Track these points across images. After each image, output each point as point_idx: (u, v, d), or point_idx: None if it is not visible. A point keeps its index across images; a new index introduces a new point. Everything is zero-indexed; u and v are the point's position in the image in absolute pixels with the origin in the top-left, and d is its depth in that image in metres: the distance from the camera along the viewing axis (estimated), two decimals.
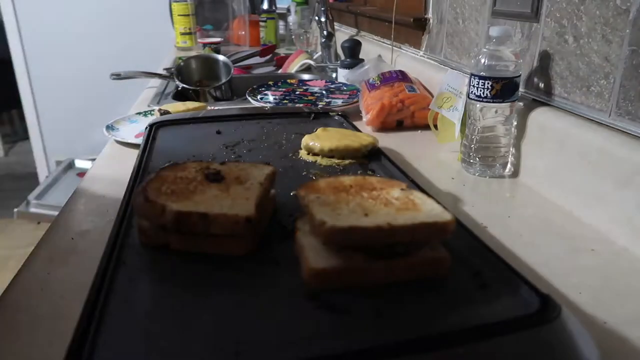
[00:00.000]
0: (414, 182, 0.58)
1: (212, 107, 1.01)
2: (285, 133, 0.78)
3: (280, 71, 1.70)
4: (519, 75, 0.70)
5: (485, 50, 0.70)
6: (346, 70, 1.27)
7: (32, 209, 2.38)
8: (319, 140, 0.68)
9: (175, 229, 0.42)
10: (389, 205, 0.42)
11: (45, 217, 2.31)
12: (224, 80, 1.33)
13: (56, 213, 0.65)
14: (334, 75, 1.41)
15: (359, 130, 0.77)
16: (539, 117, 0.70)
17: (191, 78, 1.35)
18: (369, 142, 0.69)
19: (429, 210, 0.41)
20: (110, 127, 0.95)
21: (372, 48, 1.42)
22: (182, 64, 1.35)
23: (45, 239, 0.57)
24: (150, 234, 0.45)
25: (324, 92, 1.21)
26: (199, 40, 2.15)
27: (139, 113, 1.06)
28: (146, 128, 0.80)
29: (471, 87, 0.72)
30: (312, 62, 1.61)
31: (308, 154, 0.69)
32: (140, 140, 0.79)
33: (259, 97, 1.15)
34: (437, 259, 0.41)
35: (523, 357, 0.33)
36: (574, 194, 0.63)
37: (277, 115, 0.88)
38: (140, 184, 0.48)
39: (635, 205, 0.54)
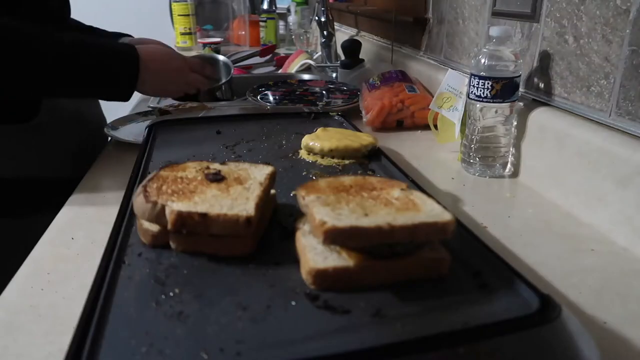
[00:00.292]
0: (414, 182, 0.58)
1: (212, 107, 1.01)
2: (285, 133, 0.78)
3: (280, 71, 1.69)
4: (519, 75, 0.70)
5: (485, 50, 0.70)
6: (346, 70, 1.27)
7: None
8: (319, 140, 0.68)
9: (175, 229, 0.42)
10: (389, 205, 0.42)
11: None
12: (224, 80, 1.32)
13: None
14: (334, 75, 1.41)
15: (359, 130, 0.77)
16: (539, 117, 0.70)
17: None
18: (369, 142, 0.69)
19: (429, 210, 0.41)
20: (110, 127, 0.95)
21: (372, 48, 1.42)
22: None
23: (45, 239, 0.58)
24: (150, 234, 0.45)
25: (324, 92, 1.21)
26: (199, 40, 2.15)
27: (139, 113, 1.06)
28: (146, 128, 0.80)
29: (471, 87, 0.72)
30: (312, 62, 1.60)
31: (308, 154, 0.69)
32: (140, 141, 0.79)
33: (259, 97, 1.15)
34: (437, 259, 0.41)
35: (523, 357, 0.33)
36: (574, 194, 0.63)
37: (277, 115, 0.88)
38: (140, 184, 0.48)
39: (635, 205, 0.54)
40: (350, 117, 0.88)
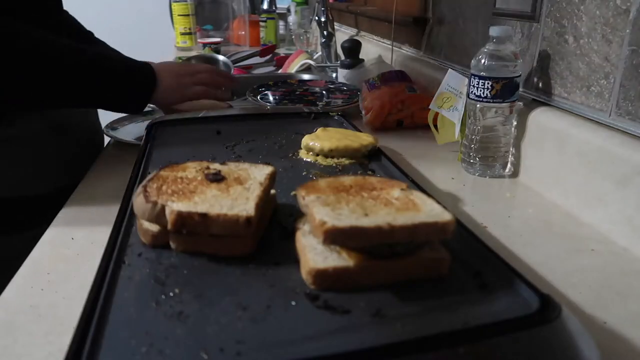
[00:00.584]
0: (414, 182, 0.58)
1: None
2: (285, 133, 0.78)
3: (280, 71, 1.69)
4: (519, 75, 0.70)
5: (485, 50, 0.70)
6: (346, 70, 1.27)
7: None
8: (319, 140, 0.68)
9: (175, 229, 0.42)
10: (389, 205, 0.42)
11: None
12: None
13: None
14: (334, 75, 1.41)
15: (359, 130, 0.77)
16: (539, 117, 0.70)
17: None
18: (369, 142, 0.69)
19: (429, 210, 0.41)
20: (110, 127, 0.95)
21: (372, 48, 1.42)
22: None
23: (45, 239, 0.58)
24: (150, 234, 0.45)
25: (324, 92, 1.21)
26: (199, 40, 2.15)
27: None
28: (146, 128, 0.80)
29: (471, 87, 0.72)
30: (312, 62, 1.60)
31: (308, 154, 0.69)
32: (140, 141, 0.79)
33: (259, 97, 1.15)
34: (437, 259, 0.41)
35: (523, 357, 0.33)
36: (573, 194, 0.63)
37: (277, 115, 0.88)
38: (140, 184, 0.48)
39: (635, 205, 0.54)
40: (350, 117, 0.88)
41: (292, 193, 0.56)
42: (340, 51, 1.38)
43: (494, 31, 0.69)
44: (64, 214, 0.64)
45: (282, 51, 2.03)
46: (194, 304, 0.37)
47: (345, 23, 1.81)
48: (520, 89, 0.74)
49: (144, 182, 0.47)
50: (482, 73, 0.70)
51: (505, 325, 0.34)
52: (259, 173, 0.50)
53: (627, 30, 0.58)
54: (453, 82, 0.83)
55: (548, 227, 0.60)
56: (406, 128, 0.98)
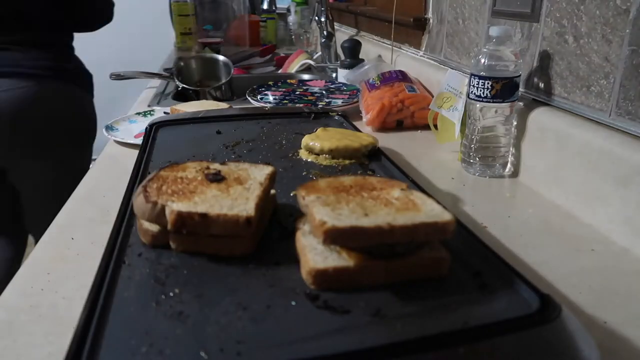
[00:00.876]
0: (414, 182, 0.58)
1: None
2: (285, 133, 0.78)
3: (280, 71, 1.69)
4: (519, 75, 0.70)
5: (485, 50, 0.70)
6: (346, 70, 1.27)
7: None
8: (319, 140, 0.68)
9: (175, 229, 0.42)
10: (389, 205, 0.42)
11: None
12: (224, 80, 1.32)
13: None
14: (334, 75, 1.41)
15: (359, 130, 0.77)
16: (539, 117, 0.70)
17: (191, 78, 1.35)
18: (369, 142, 0.69)
19: (429, 210, 0.41)
20: (109, 128, 0.95)
21: (372, 48, 1.42)
22: (182, 64, 1.35)
23: (45, 239, 0.58)
24: (150, 234, 0.45)
25: (324, 92, 1.21)
26: (199, 40, 2.15)
27: (139, 113, 1.06)
28: (146, 128, 0.80)
29: (471, 87, 0.72)
30: (312, 62, 1.61)
31: (308, 154, 0.69)
32: (140, 141, 0.79)
33: (259, 97, 1.15)
34: (437, 259, 0.41)
35: (523, 357, 0.33)
36: (574, 194, 0.63)
37: (277, 115, 0.88)
38: (140, 184, 0.48)
39: (635, 205, 0.54)
40: (350, 117, 0.88)
41: (292, 193, 0.56)
42: (340, 51, 1.38)
43: (494, 31, 0.69)
44: (64, 214, 0.64)
45: (282, 51, 2.03)
46: (194, 304, 0.37)
47: (345, 23, 1.81)
48: (520, 89, 0.74)
49: (144, 182, 0.47)
50: (482, 73, 0.70)
51: (505, 325, 0.34)
52: (259, 173, 0.50)
53: (627, 30, 0.58)
54: (453, 82, 0.83)
55: (548, 227, 0.60)
56: (406, 128, 0.98)
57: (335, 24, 1.59)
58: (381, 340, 0.33)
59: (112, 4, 1.34)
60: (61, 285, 0.48)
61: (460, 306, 0.37)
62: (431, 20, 1.11)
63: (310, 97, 1.17)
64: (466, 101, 0.75)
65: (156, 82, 1.43)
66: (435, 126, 0.88)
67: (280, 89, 1.23)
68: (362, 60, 1.28)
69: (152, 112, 1.07)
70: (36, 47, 1.18)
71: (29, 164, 1.24)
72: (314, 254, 0.40)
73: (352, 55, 1.29)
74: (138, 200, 0.45)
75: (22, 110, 1.14)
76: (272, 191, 0.52)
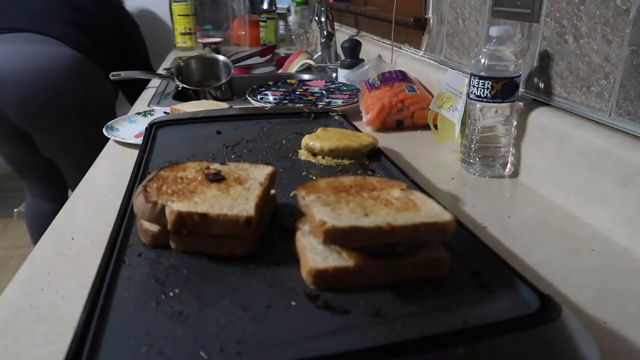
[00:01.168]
0: (414, 182, 0.58)
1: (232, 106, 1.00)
2: (285, 133, 0.78)
3: (280, 71, 1.69)
4: (519, 75, 0.70)
5: (485, 50, 0.70)
6: (346, 70, 1.27)
7: None
8: (319, 140, 0.68)
9: (175, 229, 0.42)
10: (389, 205, 0.42)
11: None
12: (224, 80, 1.32)
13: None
14: (334, 75, 1.41)
15: (359, 130, 0.77)
16: (539, 117, 0.70)
17: (191, 78, 1.35)
18: (369, 142, 0.69)
19: (429, 210, 0.41)
20: (109, 127, 0.95)
21: (372, 48, 1.42)
22: (182, 64, 1.35)
23: (45, 239, 0.58)
24: (150, 234, 0.45)
25: (324, 92, 1.21)
26: (199, 40, 2.15)
27: (139, 113, 1.06)
28: (146, 128, 0.80)
29: (471, 87, 0.72)
30: (312, 62, 1.61)
31: (308, 154, 0.69)
32: (140, 141, 0.79)
33: (259, 97, 1.15)
34: (437, 259, 0.41)
35: (523, 357, 0.33)
36: (574, 194, 0.63)
37: (277, 115, 0.88)
38: (140, 184, 0.48)
39: (635, 205, 0.54)
40: (350, 117, 0.88)
41: (292, 193, 0.56)
42: (340, 51, 1.38)
43: (494, 31, 0.69)
44: (64, 213, 0.64)
45: (282, 51, 2.03)
46: (194, 304, 0.37)
47: (345, 23, 1.81)
48: (520, 89, 0.74)
49: (144, 182, 0.47)
50: (482, 73, 0.70)
51: (505, 325, 0.34)
52: (259, 173, 0.50)
53: (627, 30, 0.58)
54: (453, 82, 0.83)
55: (548, 227, 0.60)
56: (406, 128, 0.98)
57: (335, 24, 1.59)
58: (381, 340, 0.33)
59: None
60: (61, 285, 0.48)
61: (460, 306, 0.37)
62: (431, 20, 1.11)
63: (310, 97, 1.17)
64: (466, 101, 0.75)
65: (156, 82, 1.43)
66: (435, 126, 0.88)
67: (280, 89, 1.23)
68: (362, 60, 1.28)
69: (152, 112, 1.07)
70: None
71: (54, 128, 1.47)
72: (314, 254, 0.40)
73: (352, 55, 1.29)
74: (138, 200, 0.45)
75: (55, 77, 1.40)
76: (272, 191, 0.52)
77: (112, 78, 1.32)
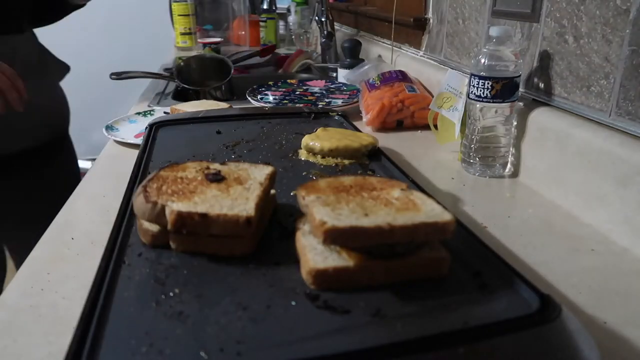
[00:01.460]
0: (414, 182, 0.58)
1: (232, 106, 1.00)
2: (285, 133, 0.78)
3: (280, 71, 1.69)
4: (519, 75, 0.70)
5: (485, 50, 0.70)
6: (346, 70, 1.27)
7: None
8: (319, 140, 0.68)
9: (175, 229, 0.42)
10: (389, 205, 0.42)
11: None
12: (224, 80, 1.32)
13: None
14: (334, 75, 1.41)
15: (359, 130, 0.77)
16: (539, 117, 0.70)
17: (191, 78, 1.35)
18: (369, 142, 0.69)
19: (429, 210, 0.41)
20: (109, 127, 0.95)
21: (372, 48, 1.42)
22: (182, 64, 1.35)
23: (45, 239, 0.58)
24: (150, 234, 0.45)
25: (324, 92, 1.21)
26: (199, 40, 2.15)
27: (139, 113, 1.06)
28: (146, 128, 0.80)
29: (471, 87, 0.72)
30: (312, 62, 1.61)
31: (308, 154, 0.69)
32: (140, 141, 0.79)
33: (259, 97, 1.15)
34: (437, 259, 0.41)
35: (523, 357, 0.33)
36: (574, 194, 0.63)
37: (277, 115, 0.88)
38: (140, 184, 0.48)
39: (635, 205, 0.54)
40: (350, 117, 0.88)
41: (292, 193, 0.56)
42: (340, 51, 1.38)
43: (494, 31, 0.69)
44: (64, 213, 0.64)
45: (282, 51, 2.03)
46: (194, 304, 0.37)
47: (345, 23, 1.81)
48: (520, 89, 0.74)
49: (144, 182, 0.47)
50: (482, 73, 0.70)
51: (505, 325, 0.34)
52: (259, 173, 0.50)
53: (627, 30, 0.58)
54: (453, 82, 0.83)
55: (548, 227, 0.60)
56: (406, 128, 0.98)
57: (335, 24, 1.59)
58: (381, 340, 0.33)
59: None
60: (61, 285, 0.48)
61: (460, 306, 0.37)
62: (431, 20, 1.11)
63: (310, 97, 1.17)
64: (466, 101, 0.75)
65: (156, 82, 1.43)
66: (435, 126, 0.88)
67: (280, 89, 1.23)
68: (362, 60, 1.28)
69: (152, 112, 1.07)
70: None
71: None
72: (314, 254, 0.40)
73: (352, 55, 1.29)
74: (138, 200, 0.45)
75: None
76: (272, 191, 0.52)
77: (112, 78, 1.31)
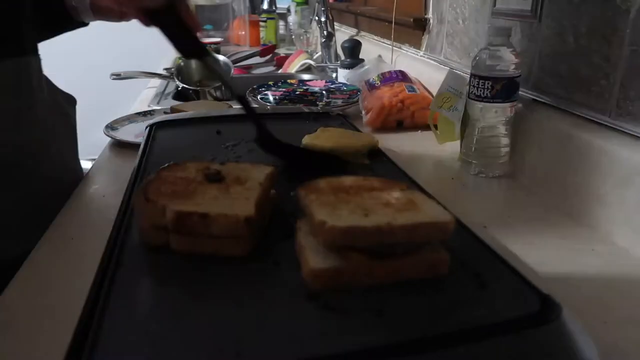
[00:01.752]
0: (414, 182, 0.58)
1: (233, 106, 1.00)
2: (285, 133, 0.78)
3: (280, 71, 1.70)
4: (519, 75, 0.70)
5: (485, 50, 0.70)
6: (346, 70, 1.27)
7: None
8: (319, 140, 0.68)
9: (175, 230, 0.42)
10: (389, 205, 0.42)
11: None
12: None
13: None
14: (334, 75, 1.41)
15: (359, 130, 0.77)
16: (539, 117, 0.70)
17: (191, 78, 1.35)
18: (369, 142, 0.69)
19: (428, 210, 0.41)
20: (110, 127, 0.95)
21: (372, 48, 1.42)
22: (182, 64, 1.35)
23: (45, 239, 0.58)
24: (150, 234, 0.45)
25: (324, 92, 1.21)
26: None
27: (139, 113, 1.06)
28: (146, 128, 0.80)
29: (471, 87, 0.72)
30: (312, 62, 1.61)
31: None
32: (140, 141, 0.79)
33: (259, 97, 1.15)
34: (437, 259, 0.41)
35: (523, 357, 0.33)
36: (573, 194, 0.63)
37: (277, 115, 0.88)
38: (140, 184, 0.48)
39: (635, 205, 0.54)
40: (350, 117, 0.88)
41: (292, 193, 0.56)
42: (340, 51, 1.38)
43: (494, 31, 0.69)
44: (64, 214, 0.64)
45: (282, 51, 2.03)
46: (193, 304, 0.37)
47: (345, 23, 1.81)
48: (520, 89, 0.74)
49: (144, 182, 0.47)
50: (482, 73, 0.70)
51: (505, 325, 0.34)
52: (259, 173, 0.50)
53: (627, 30, 0.57)
54: (453, 82, 0.83)
55: (548, 227, 0.60)
56: (406, 128, 0.98)
57: (335, 24, 1.59)
58: (381, 340, 0.33)
59: None
60: (61, 284, 0.48)
61: (460, 306, 0.37)
62: (431, 21, 1.11)
63: (310, 97, 1.17)
64: (466, 101, 0.75)
65: (156, 82, 1.44)
66: (435, 126, 0.88)
67: (280, 89, 1.23)
68: (362, 60, 1.28)
69: (152, 112, 1.07)
70: None
71: None
72: (314, 254, 0.40)
73: (352, 55, 1.29)
74: (138, 200, 0.45)
75: None
76: (272, 191, 0.52)
77: (112, 78, 1.32)
